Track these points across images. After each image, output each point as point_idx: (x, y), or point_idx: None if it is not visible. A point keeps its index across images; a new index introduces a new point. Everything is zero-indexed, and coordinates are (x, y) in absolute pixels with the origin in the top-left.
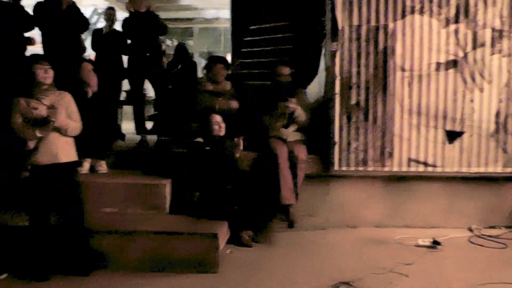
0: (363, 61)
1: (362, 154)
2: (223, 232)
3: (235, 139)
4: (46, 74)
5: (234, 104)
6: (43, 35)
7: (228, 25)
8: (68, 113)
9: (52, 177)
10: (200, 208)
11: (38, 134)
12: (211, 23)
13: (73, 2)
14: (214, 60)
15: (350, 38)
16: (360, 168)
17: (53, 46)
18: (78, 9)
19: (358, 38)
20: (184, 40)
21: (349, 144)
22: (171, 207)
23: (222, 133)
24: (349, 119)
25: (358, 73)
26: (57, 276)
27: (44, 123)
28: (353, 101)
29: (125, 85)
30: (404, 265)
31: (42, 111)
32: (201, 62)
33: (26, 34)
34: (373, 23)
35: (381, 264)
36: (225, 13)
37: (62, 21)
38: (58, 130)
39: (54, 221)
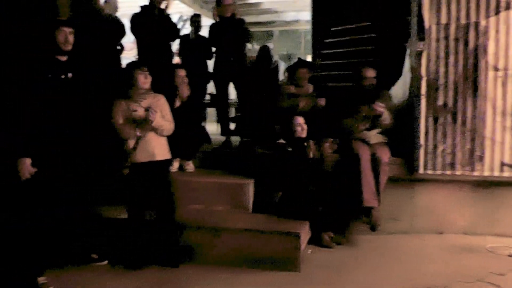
0: (451, 60)
1: (450, 157)
2: (305, 232)
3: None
4: (146, 79)
5: (322, 101)
6: (138, 43)
7: (308, 27)
8: (162, 114)
9: (149, 173)
10: (282, 208)
11: (138, 134)
12: (291, 26)
13: (166, 12)
14: (298, 64)
15: (437, 37)
16: (447, 172)
17: (148, 53)
18: (170, 19)
19: (446, 37)
20: (264, 43)
21: (435, 147)
22: (254, 206)
23: (304, 134)
24: (435, 121)
25: (446, 73)
26: (149, 266)
27: (142, 123)
28: (440, 102)
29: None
30: (496, 275)
31: (140, 112)
32: (281, 65)
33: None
34: (463, 20)
35: (470, 273)
36: (305, 15)
37: (156, 30)
38: (155, 130)
39: (150, 215)
